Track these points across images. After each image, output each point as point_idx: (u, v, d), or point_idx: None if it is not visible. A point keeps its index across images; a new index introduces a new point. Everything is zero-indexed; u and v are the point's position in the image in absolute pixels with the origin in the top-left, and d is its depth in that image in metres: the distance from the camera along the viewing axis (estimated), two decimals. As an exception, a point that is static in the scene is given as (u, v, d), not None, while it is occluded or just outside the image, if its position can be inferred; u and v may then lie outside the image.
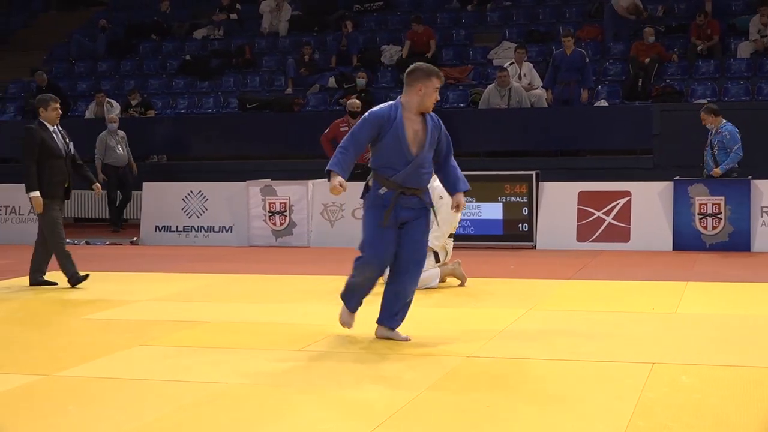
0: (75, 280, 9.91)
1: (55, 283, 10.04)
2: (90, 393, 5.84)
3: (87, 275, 9.99)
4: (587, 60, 16.43)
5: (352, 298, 7.23)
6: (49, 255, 10.07)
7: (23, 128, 10.47)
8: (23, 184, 9.86)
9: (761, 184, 12.67)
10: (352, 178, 14.26)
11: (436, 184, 9.12)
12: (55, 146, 9.87)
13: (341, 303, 7.29)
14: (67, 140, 10.05)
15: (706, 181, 12.78)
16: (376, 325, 7.18)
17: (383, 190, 6.98)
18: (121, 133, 16.30)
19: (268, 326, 7.87)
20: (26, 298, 9.52)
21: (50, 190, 9.85)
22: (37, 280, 10.06)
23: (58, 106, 10.03)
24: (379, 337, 7.15)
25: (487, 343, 6.99)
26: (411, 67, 7.16)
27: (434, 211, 7.37)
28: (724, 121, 12.81)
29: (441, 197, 9.21)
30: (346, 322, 7.27)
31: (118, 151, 16.17)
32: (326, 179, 7.14)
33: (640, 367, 6.14)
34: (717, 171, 12.67)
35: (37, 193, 9.76)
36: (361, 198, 7.23)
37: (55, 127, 9.99)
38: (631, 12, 18.49)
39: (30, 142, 9.88)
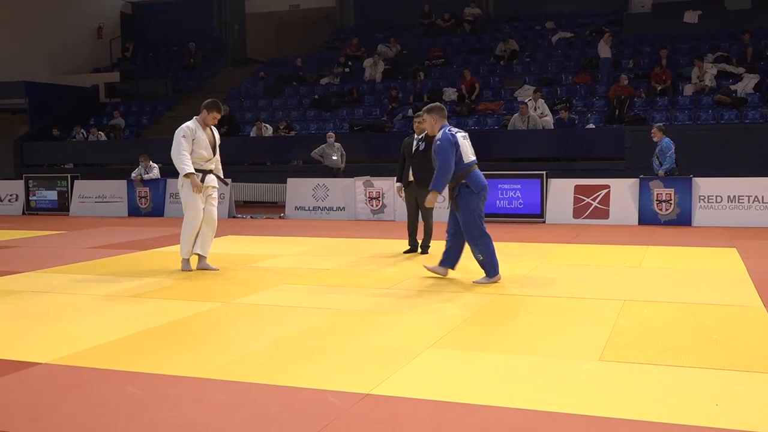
0: (412, 250, 9.30)
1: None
2: (253, 314, 5.92)
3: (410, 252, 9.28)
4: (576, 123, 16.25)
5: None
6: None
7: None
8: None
9: (699, 180, 12.37)
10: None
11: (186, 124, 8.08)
12: (409, 151, 8.91)
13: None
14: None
15: (662, 178, 12.50)
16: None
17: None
18: (337, 144, 15.87)
19: (369, 272, 7.89)
20: (213, 255, 9.63)
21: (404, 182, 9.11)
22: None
23: (415, 121, 8.90)
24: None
25: (511, 286, 6.93)
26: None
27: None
28: (665, 137, 12.57)
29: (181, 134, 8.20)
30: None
31: (333, 157, 15.87)
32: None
33: (615, 303, 6.04)
34: (661, 173, 12.43)
35: (399, 184, 9.16)
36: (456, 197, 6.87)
37: (420, 136, 8.81)
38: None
39: (402, 149, 9.08)
